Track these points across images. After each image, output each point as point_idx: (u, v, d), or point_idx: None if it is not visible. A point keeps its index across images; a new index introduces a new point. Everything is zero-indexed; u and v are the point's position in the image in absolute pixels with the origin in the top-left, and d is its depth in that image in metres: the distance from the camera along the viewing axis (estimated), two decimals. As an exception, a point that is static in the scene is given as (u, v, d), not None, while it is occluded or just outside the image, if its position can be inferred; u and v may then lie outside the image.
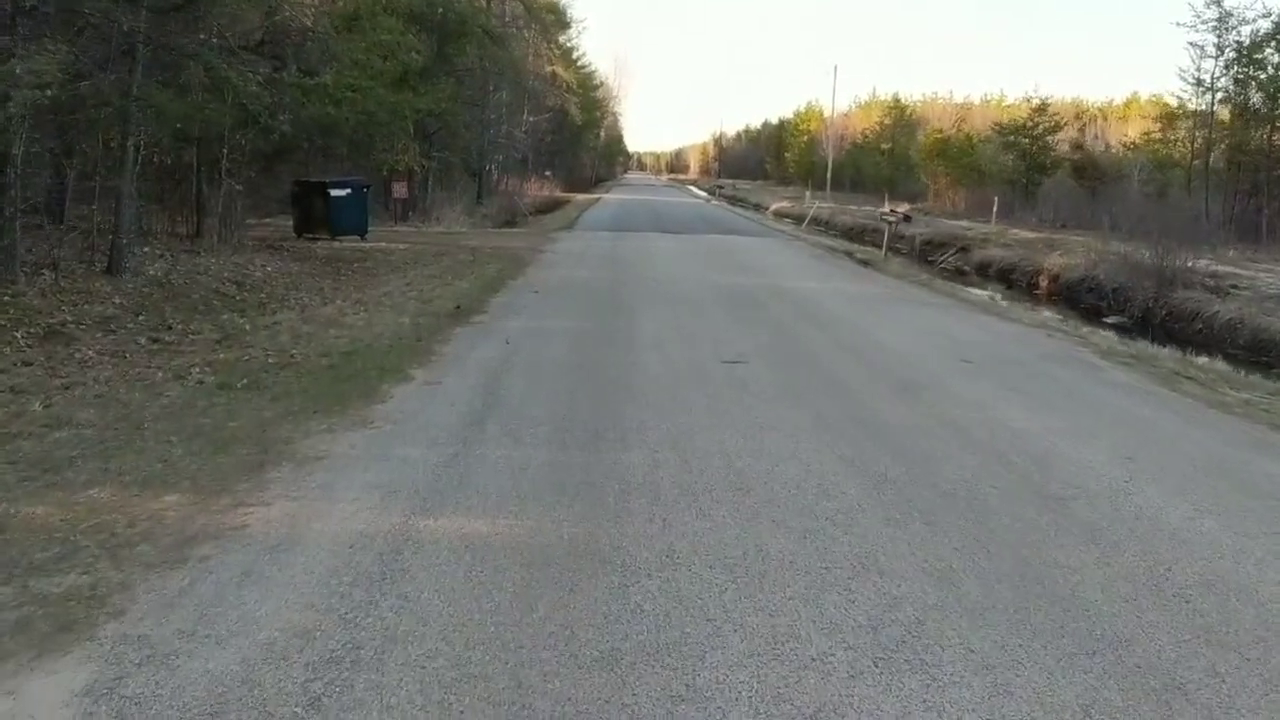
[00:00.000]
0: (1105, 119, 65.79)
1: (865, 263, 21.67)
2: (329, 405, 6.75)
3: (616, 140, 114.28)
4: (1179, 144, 35.05)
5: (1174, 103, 34.68)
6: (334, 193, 21.54)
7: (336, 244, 20.57)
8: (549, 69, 57.46)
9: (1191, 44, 33.02)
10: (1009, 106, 75.16)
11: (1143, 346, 11.56)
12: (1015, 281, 24.03)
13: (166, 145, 16.79)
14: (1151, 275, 18.17)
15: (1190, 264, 17.97)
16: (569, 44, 63.87)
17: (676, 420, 6.48)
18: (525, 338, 9.74)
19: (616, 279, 15.42)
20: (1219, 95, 32.46)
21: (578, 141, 71.76)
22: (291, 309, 12.29)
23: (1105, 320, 17.50)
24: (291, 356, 8.62)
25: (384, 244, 21.21)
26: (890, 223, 22.82)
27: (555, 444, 5.86)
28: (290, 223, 21.79)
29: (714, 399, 7.15)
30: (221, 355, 8.72)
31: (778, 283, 15.50)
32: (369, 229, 22.43)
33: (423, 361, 8.44)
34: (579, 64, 67.38)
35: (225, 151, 16.83)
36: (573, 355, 8.79)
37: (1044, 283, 22.48)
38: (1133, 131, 54.91)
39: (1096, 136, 55.10)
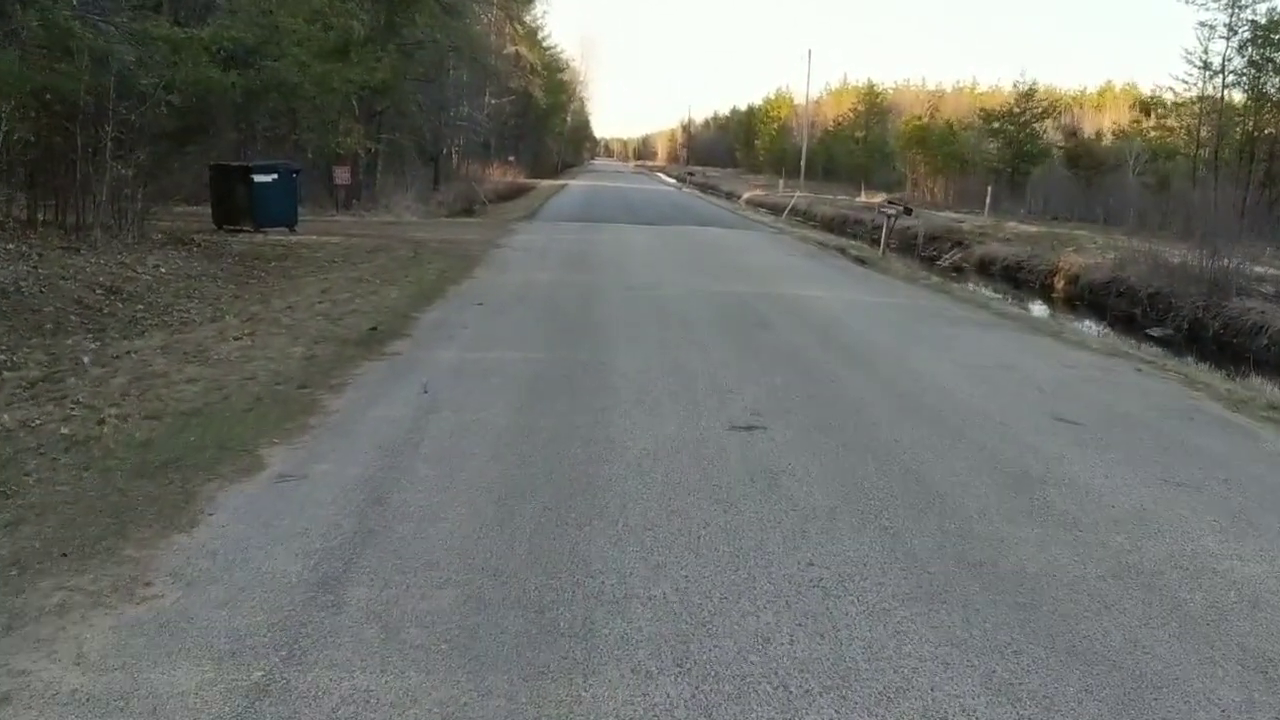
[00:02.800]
0: (1081, 108, 64.01)
1: (862, 261, 19.13)
2: (92, 541, 4.01)
3: (583, 125, 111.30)
4: (1183, 132, 32.80)
5: (1179, 88, 32.32)
6: (257, 178, 18.65)
7: (260, 237, 17.71)
8: (512, 48, 54.53)
9: (1201, 23, 30.70)
10: (982, 94, 73.46)
11: (1260, 385, 9.07)
12: (1024, 281, 21.62)
13: (36, 120, 13.88)
14: (1197, 280, 15.77)
15: (1246, 267, 15.58)
16: (534, 23, 61.02)
17: (677, 573, 3.81)
18: (454, 382, 7.03)
19: (584, 285, 12.71)
20: (1229, 79, 30.26)
21: (543, 126, 68.88)
22: (166, 328, 9.54)
23: (1149, 333, 15.07)
24: (102, 421, 5.86)
25: (315, 237, 18.37)
26: (889, 216, 20.27)
27: (457, 652, 3.17)
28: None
29: (734, 513, 4.48)
30: (5, 416, 5.94)
31: (777, 289, 12.85)
32: (300, 219, 19.59)
33: (292, 430, 5.70)
34: (544, 45, 64.47)
35: (110, 128, 13.88)
36: (516, 418, 6.08)
37: (1060, 284, 20.05)
38: (1107, 121, 52.92)
39: (1073, 125, 53.13)
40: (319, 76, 15.27)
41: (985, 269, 23.58)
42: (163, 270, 13.04)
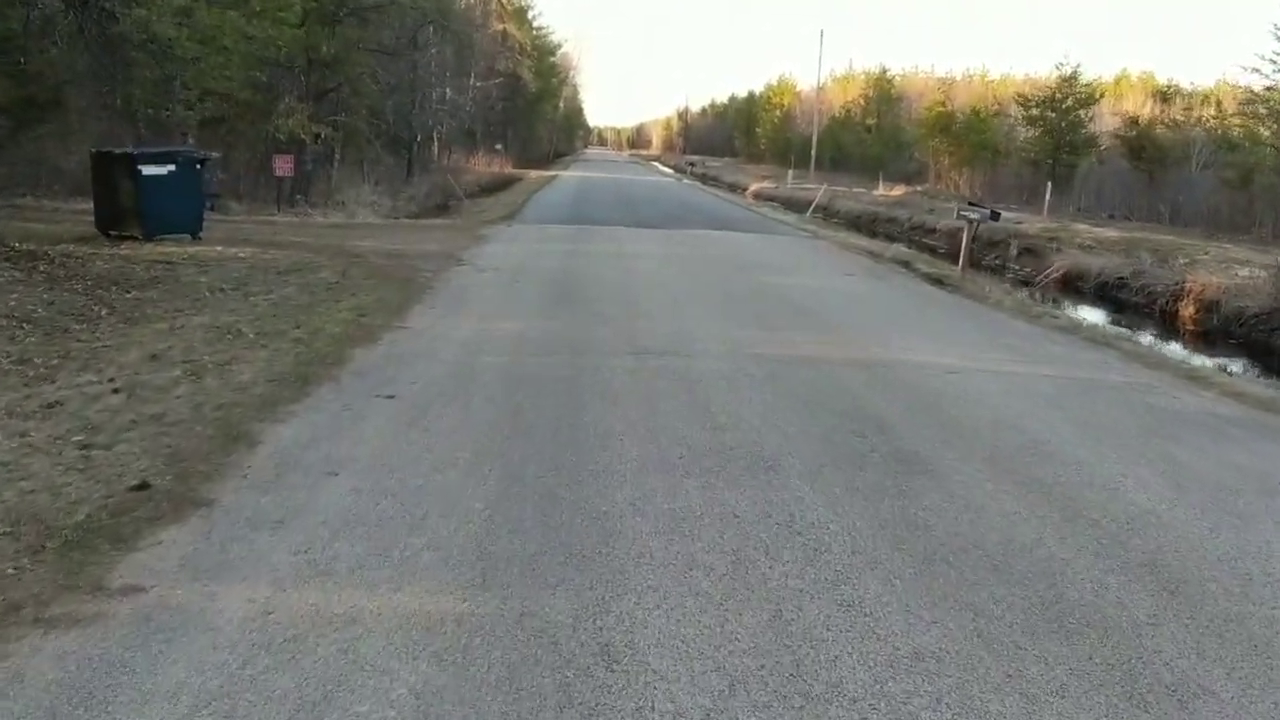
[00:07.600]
0: (1102, 96, 59.45)
1: (940, 281, 14.52)
2: None
3: (576, 113, 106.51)
4: (1273, 120, 28.22)
5: (1266, 69, 27.71)
6: (146, 170, 14.08)
7: (147, 249, 13.17)
8: (499, 26, 49.83)
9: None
10: (994, 83, 68.66)
11: None
12: (1129, 304, 17.08)
13: None
14: None
15: None
16: (523, 2, 56.29)
17: None
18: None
19: (568, 345, 8.08)
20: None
21: (533, 112, 64.13)
22: None
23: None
24: None
25: (221, 248, 13.72)
26: (971, 221, 15.64)
27: None
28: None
29: None
30: None
31: (874, 351, 8.25)
32: (228, 219, 15.13)
33: None
34: (534, 25, 59.75)
35: None
36: None
37: (1189, 311, 15.49)
38: (1130, 110, 48.18)
39: (1092, 116, 48.43)
40: (206, 32, 10.53)
41: (1072, 285, 19.00)
42: (-59, 311, 8.42)
